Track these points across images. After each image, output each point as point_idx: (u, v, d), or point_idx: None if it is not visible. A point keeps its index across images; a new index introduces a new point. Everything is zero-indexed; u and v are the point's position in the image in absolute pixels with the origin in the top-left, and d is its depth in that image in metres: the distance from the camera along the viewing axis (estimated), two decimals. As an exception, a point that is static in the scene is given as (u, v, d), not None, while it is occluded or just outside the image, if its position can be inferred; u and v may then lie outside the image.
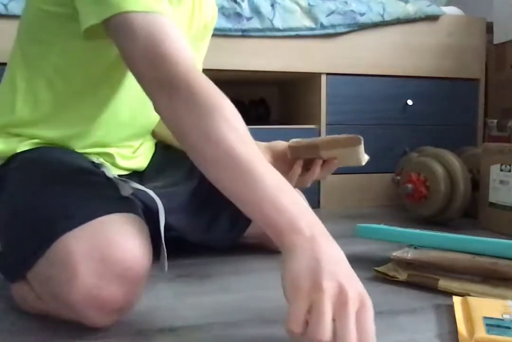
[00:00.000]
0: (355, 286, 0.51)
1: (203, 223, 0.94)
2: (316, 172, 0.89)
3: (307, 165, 0.90)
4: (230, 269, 0.94)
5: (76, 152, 0.84)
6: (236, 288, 0.83)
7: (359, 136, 0.85)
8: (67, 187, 0.68)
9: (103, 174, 0.75)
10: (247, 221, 0.95)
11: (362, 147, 0.87)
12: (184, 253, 1.03)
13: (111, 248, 0.59)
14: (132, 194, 0.74)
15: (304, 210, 0.55)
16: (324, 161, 0.90)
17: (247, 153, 0.57)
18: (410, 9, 1.68)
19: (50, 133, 0.82)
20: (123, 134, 0.90)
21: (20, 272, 0.65)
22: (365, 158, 0.90)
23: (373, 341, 0.49)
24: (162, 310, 0.72)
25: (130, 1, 0.63)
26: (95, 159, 0.84)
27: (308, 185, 0.90)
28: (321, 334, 0.46)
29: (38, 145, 0.82)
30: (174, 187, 0.94)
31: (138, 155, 0.98)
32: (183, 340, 0.63)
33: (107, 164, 0.88)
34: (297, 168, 0.89)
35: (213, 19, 1.01)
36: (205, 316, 0.70)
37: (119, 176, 0.88)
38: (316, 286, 0.48)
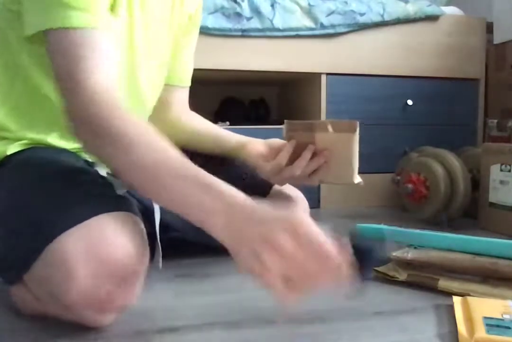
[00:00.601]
0: (285, 217, 0.51)
1: None
2: (306, 157, 0.86)
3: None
4: (230, 269, 0.93)
5: (69, 151, 0.84)
6: (236, 288, 0.83)
7: (357, 122, 0.83)
8: (61, 187, 0.68)
9: (97, 173, 0.75)
10: None
11: (356, 138, 0.84)
12: (184, 253, 1.03)
13: (106, 248, 0.59)
14: (128, 192, 0.74)
15: (222, 187, 0.55)
16: (315, 154, 0.87)
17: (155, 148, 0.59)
18: (410, 9, 1.68)
19: (34, 136, 0.81)
20: None
21: (18, 274, 0.64)
22: (358, 177, 0.88)
23: (325, 247, 0.49)
24: (162, 310, 0.72)
25: (63, 16, 0.63)
26: (88, 157, 0.84)
27: (297, 173, 0.86)
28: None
29: (29, 146, 0.80)
30: None
31: None
32: (183, 340, 0.63)
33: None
34: (289, 147, 0.87)
35: (197, 11, 1.00)
36: (205, 316, 0.70)
37: None
38: (259, 231, 0.50)
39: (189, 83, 1.06)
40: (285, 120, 0.90)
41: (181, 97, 1.05)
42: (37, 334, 0.64)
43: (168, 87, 0.99)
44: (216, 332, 0.65)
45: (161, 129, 0.63)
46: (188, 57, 1.04)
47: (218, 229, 0.54)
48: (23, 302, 0.70)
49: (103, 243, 0.59)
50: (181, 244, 0.97)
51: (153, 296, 0.78)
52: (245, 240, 0.51)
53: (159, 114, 0.99)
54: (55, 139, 0.83)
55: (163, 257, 0.74)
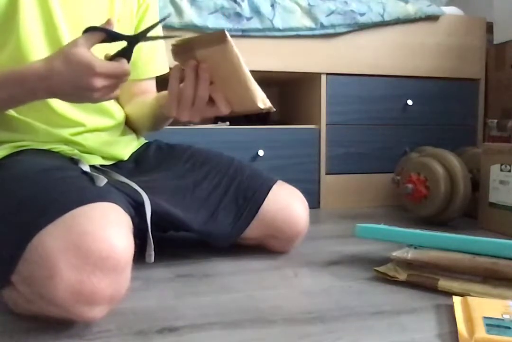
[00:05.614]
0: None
1: (202, 216, 0.93)
2: (190, 75, 0.78)
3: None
4: (230, 269, 0.94)
5: (52, 151, 0.84)
6: (236, 288, 0.83)
7: (225, 31, 0.74)
8: (42, 185, 0.68)
9: (79, 169, 0.76)
10: (248, 217, 0.95)
11: (232, 50, 0.74)
12: (184, 253, 1.03)
13: (86, 240, 0.59)
14: (117, 188, 0.75)
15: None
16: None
17: None
18: (410, 9, 1.68)
19: (16, 139, 0.84)
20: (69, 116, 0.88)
21: (5, 276, 0.64)
22: (265, 102, 0.78)
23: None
24: (162, 310, 0.72)
25: None
26: (75, 156, 0.85)
27: (189, 92, 0.79)
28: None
29: (12, 149, 0.82)
30: (176, 180, 0.94)
31: (102, 137, 0.94)
32: (183, 340, 0.63)
33: (85, 157, 0.88)
34: (174, 72, 0.81)
35: (145, 5, 1.00)
36: (205, 316, 0.70)
37: (103, 166, 0.89)
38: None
39: (154, 74, 1.05)
40: (171, 44, 0.79)
41: (145, 87, 1.05)
42: (37, 334, 0.64)
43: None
44: (216, 332, 0.65)
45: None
46: (149, 49, 1.02)
47: (48, 95, 0.73)
48: (16, 305, 0.69)
49: (82, 236, 0.59)
50: (181, 244, 0.97)
51: (153, 296, 0.78)
52: (76, 95, 0.71)
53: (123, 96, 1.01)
54: (39, 143, 0.84)
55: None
